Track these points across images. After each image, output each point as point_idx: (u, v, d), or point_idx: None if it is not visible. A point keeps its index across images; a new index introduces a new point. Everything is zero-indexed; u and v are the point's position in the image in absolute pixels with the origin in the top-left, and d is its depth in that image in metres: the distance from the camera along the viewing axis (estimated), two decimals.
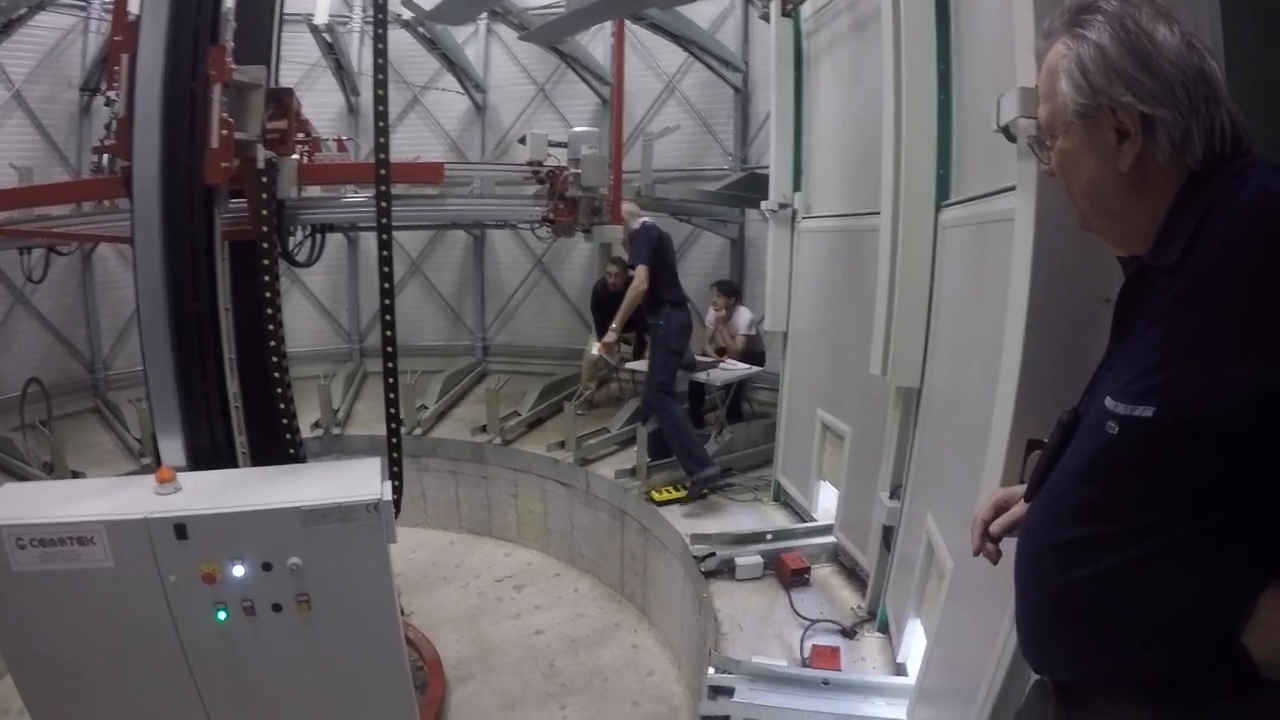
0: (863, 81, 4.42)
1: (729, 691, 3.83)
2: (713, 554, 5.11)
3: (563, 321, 10.15)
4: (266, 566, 3.04)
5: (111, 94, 3.46)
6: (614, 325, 6.69)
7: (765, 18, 5.75)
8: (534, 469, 7.56)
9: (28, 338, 8.42)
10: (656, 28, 8.10)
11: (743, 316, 7.47)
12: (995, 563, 1.60)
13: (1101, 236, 1.40)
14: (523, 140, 5.18)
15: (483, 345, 10.60)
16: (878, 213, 3.91)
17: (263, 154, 3.65)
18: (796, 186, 5.55)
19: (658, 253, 6.37)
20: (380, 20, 3.94)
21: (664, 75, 9.16)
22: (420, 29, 9.06)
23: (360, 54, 9.70)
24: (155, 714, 3.17)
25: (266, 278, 3.73)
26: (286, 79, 9.52)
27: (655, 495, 6.23)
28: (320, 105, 9.82)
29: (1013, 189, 2.45)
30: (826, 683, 3.77)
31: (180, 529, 2.93)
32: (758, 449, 6.72)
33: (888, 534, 4.16)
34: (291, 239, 4.57)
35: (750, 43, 8.59)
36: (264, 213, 3.72)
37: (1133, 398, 1.19)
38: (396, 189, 4.12)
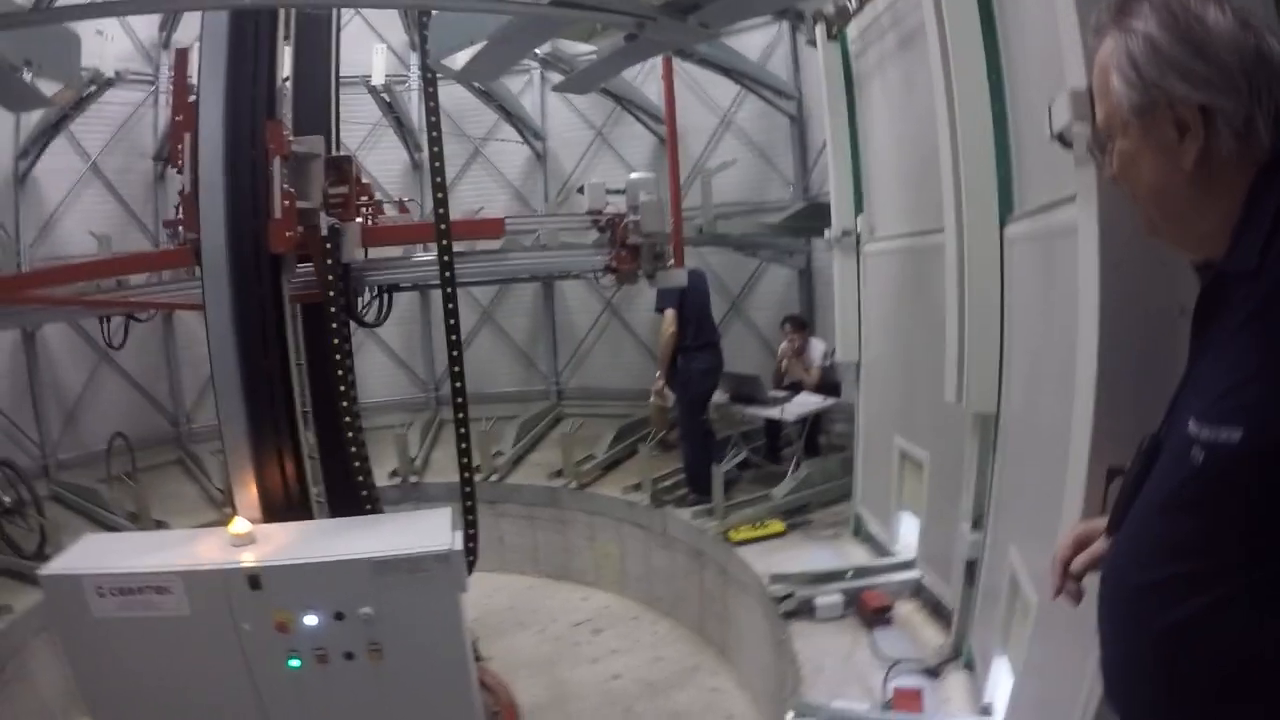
0: (915, 98, 4.33)
1: None
2: (791, 594, 4.96)
3: (635, 362, 10.12)
4: (339, 616, 3.10)
5: (177, 171, 3.64)
6: (658, 373, 6.97)
7: (813, 43, 5.72)
8: (610, 512, 7.52)
9: (113, 394, 8.89)
10: (706, 63, 8.12)
11: (816, 349, 7.33)
12: (1076, 604, 1.46)
13: (1172, 242, 1.28)
14: (581, 190, 5.23)
15: (556, 389, 10.66)
16: (942, 229, 3.79)
17: (325, 221, 3.78)
18: (859, 210, 5.45)
19: (683, 296, 6.39)
20: (431, 94, 4.03)
21: (719, 110, 9.16)
22: (475, 83, 9.30)
23: (419, 111, 9.95)
24: None
25: (336, 340, 3.84)
26: (349, 139, 9.98)
27: (733, 535, 6.09)
28: (384, 163, 10.24)
29: (1075, 199, 2.32)
30: None
31: (254, 580, 3.03)
32: (835, 484, 6.51)
33: (971, 567, 3.95)
34: (360, 299, 4.69)
35: (801, 70, 8.49)
36: (330, 277, 3.83)
37: (1217, 418, 1.06)
38: (460, 246, 4.22)
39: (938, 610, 4.59)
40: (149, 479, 7.93)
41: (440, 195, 3.99)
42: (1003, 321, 3.56)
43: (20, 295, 5.01)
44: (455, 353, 4.09)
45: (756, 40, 8.63)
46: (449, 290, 4.08)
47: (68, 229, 8.55)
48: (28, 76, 4.35)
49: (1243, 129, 1.09)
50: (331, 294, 3.88)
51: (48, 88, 6.92)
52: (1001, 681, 3.48)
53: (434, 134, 4.01)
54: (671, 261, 4.97)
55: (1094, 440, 2.20)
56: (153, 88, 8.99)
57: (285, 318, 3.73)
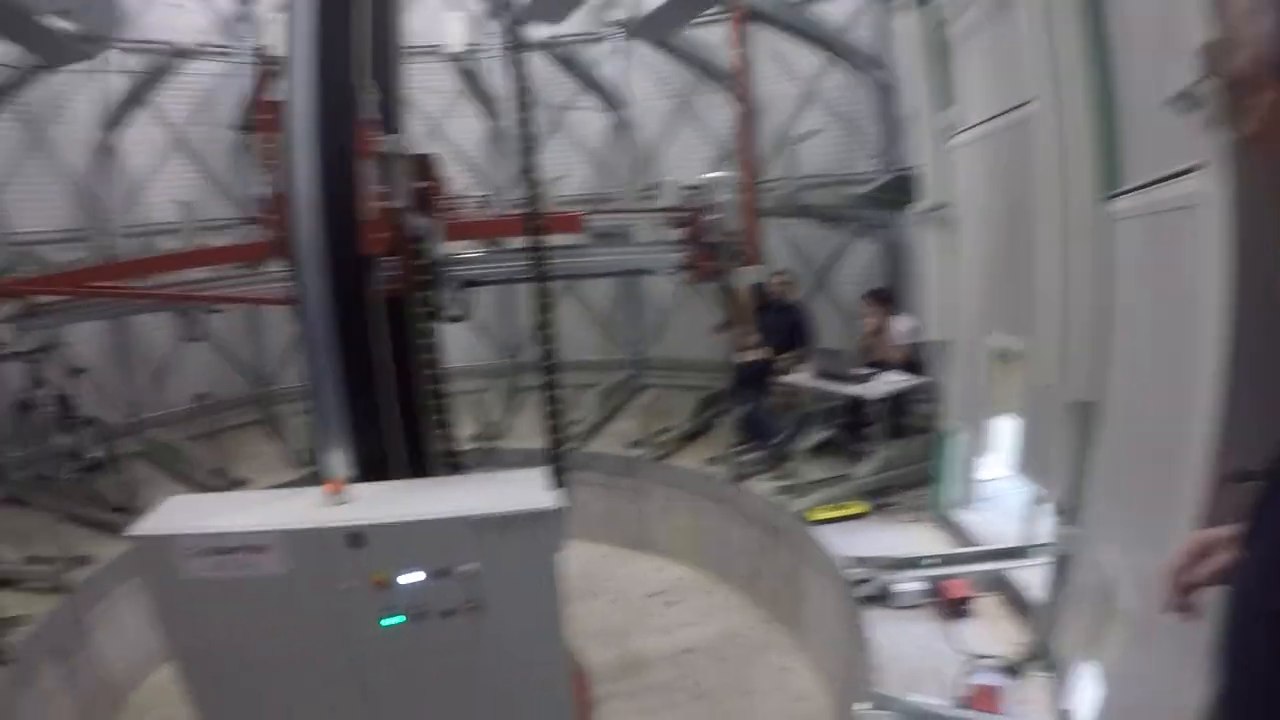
0: (1009, 66, 4.03)
1: None
2: (869, 579, 4.82)
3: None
4: (439, 574, 3.11)
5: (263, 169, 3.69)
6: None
7: (901, 8, 5.41)
8: (688, 484, 7.48)
9: (198, 355, 9.09)
10: (790, 29, 7.83)
11: (901, 325, 7.04)
12: (1189, 621, 1.31)
13: None
14: (656, 187, 5.08)
15: (637, 359, 10.62)
16: (1039, 206, 3.54)
17: (412, 220, 3.79)
18: (947, 185, 5.15)
19: None
20: (520, 74, 3.94)
21: (803, 80, 8.79)
22: (555, 50, 9.21)
23: (498, 79, 9.95)
24: (319, 716, 3.31)
25: (423, 339, 3.87)
26: (429, 109, 10.08)
27: (811, 514, 5.98)
28: (464, 131, 10.27)
29: (1193, 171, 2.09)
30: None
31: (356, 538, 3.04)
32: (918, 466, 6.29)
33: (1062, 563, 3.73)
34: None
35: (888, 38, 7.89)
36: (418, 278, 3.86)
37: None
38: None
39: (1021, 606, 4.39)
40: (231, 438, 8.36)
41: (534, 192, 3.89)
42: (1107, 303, 3.30)
43: (103, 289, 5.22)
44: (549, 354, 4.00)
45: (842, 7, 8.25)
46: (540, 286, 4.00)
47: (153, 198, 8.88)
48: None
49: None
50: (420, 294, 3.91)
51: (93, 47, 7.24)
52: (1085, 688, 3.29)
53: (524, 114, 3.90)
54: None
55: (1215, 439, 2.00)
56: (233, 59, 9.19)
57: (374, 314, 3.78)
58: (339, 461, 3.63)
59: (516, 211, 4.10)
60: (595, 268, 5.95)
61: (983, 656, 4.03)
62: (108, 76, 8.30)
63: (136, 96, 8.35)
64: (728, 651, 5.93)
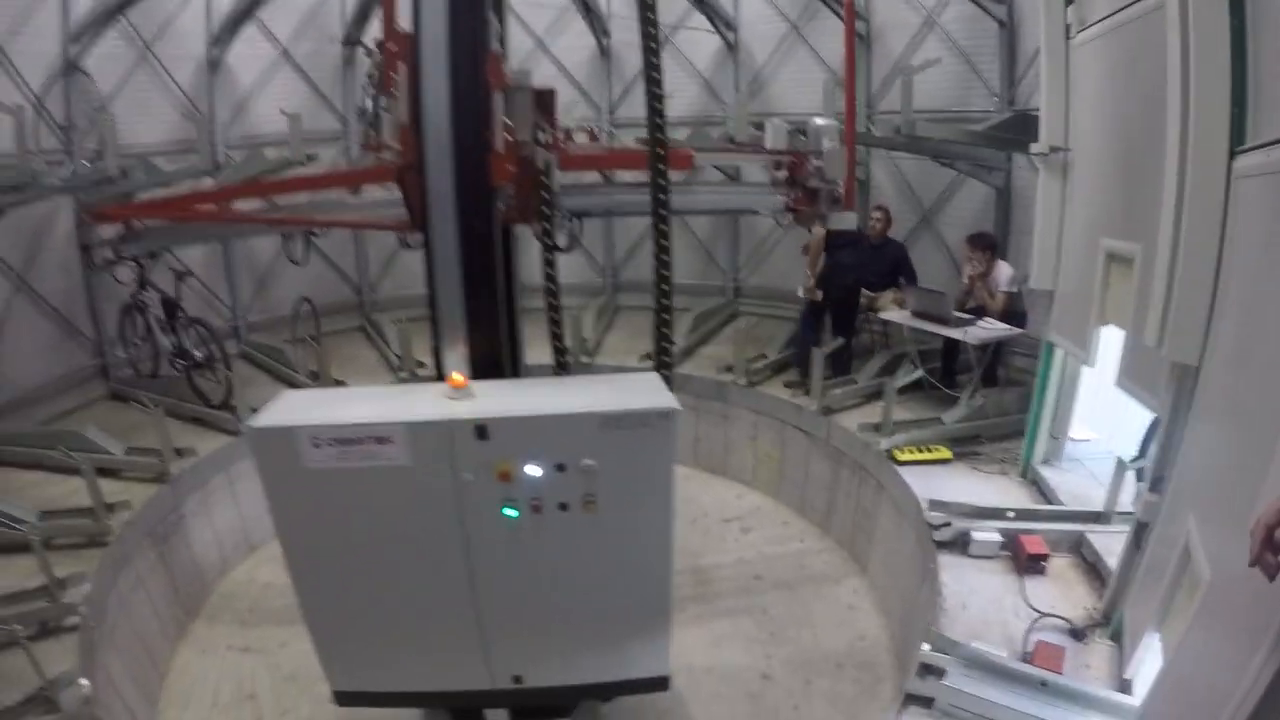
0: (1140, 10, 3.75)
1: (939, 673, 3.64)
2: (948, 524, 4.83)
3: None
4: (560, 467, 3.16)
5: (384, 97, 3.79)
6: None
7: None
8: (776, 413, 7.50)
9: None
10: None
11: (1003, 272, 6.76)
12: (1272, 578, 1.30)
13: None
14: (760, 126, 4.96)
15: (734, 286, 10.58)
16: (1160, 159, 3.33)
17: (535, 152, 3.91)
18: (1065, 126, 4.87)
19: None
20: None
21: (922, 9, 8.29)
22: None
23: None
24: (426, 602, 3.47)
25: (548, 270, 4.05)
26: (536, 24, 10.02)
27: (897, 454, 5.98)
28: (571, 49, 10.21)
29: None
30: (1044, 684, 3.46)
31: (482, 430, 3.09)
32: (1009, 418, 6.15)
33: (1140, 531, 3.65)
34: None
35: None
36: (541, 209, 3.98)
37: None
38: (642, 176, 4.10)
39: (1095, 570, 4.35)
40: (331, 342, 8.75)
41: (658, 133, 3.86)
42: (1219, 263, 3.13)
43: (216, 214, 5.51)
44: (664, 281, 4.04)
45: None
46: (661, 227, 3.99)
47: (260, 111, 9.18)
48: None
49: None
50: (544, 225, 4.01)
51: None
52: (1148, 660, 3.27)
53: (652, 57, 3.84)
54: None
55: None
56: None
57: (500, 242, 3.88)
58: (461, 359, 3.76)
59: (633, 148, 4.10)
60: (700, 205, 5.99)
61: (1050, 615, 4.03)
62: None
63: (246, 11, 8.55)
64: (796, 582, 6.05)
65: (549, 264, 4.08)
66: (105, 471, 5.81)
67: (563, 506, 3.22)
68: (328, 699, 3.72)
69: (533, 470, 3.16)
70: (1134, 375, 4.05)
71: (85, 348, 8.03)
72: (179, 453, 6.31)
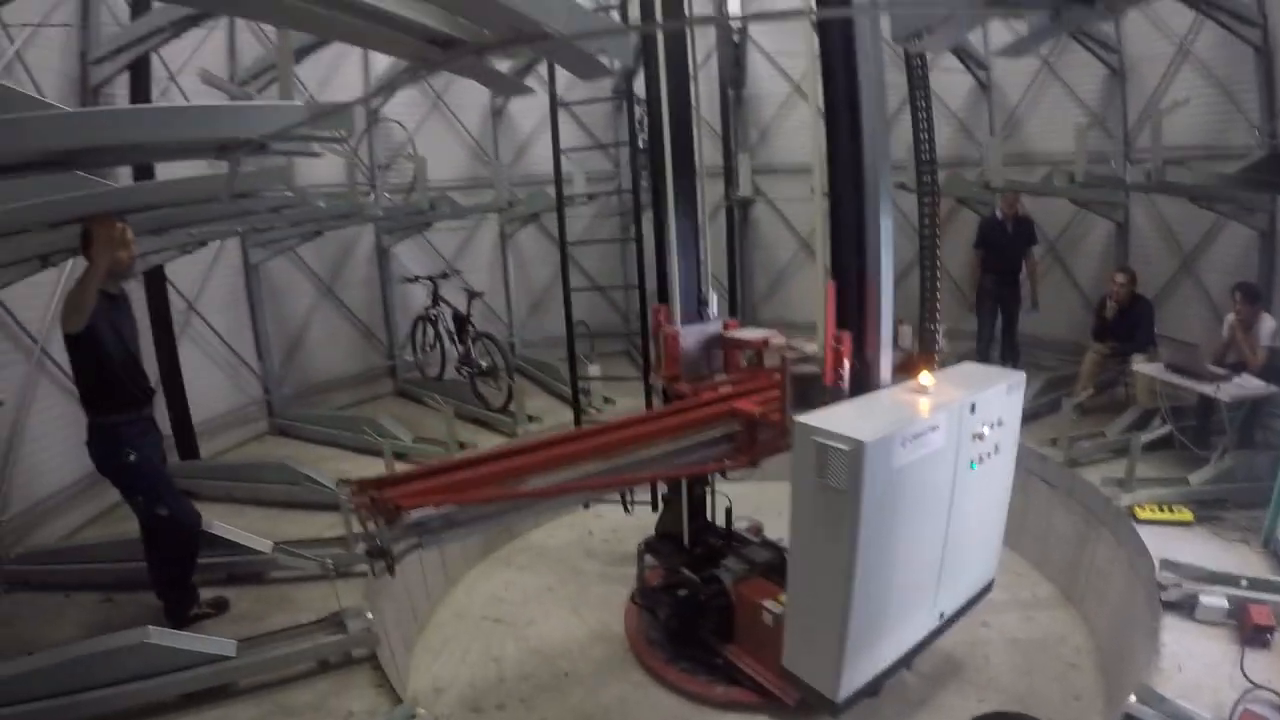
0: None
1: None
2: (1178, 585, 4.84)
3: (1074, 313, 9.53)
4: (991, 426, 4.42)
5: None
6: None
7: None
8: (1020, 462, 7.47)
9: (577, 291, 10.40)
10: None
11: (1266, 326, 6.35)
12: None
13: None
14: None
15: None
16: None
17: None
18: None
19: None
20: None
21: (1174, 38, 7.88)
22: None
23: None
24: (916, 570, 4.37)
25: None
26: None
27: (1138, 511, 5.91)
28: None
29: None
30: None
31: (973, 407, 4.26)
32: (1260, 485, 5.81)
33: None
34: None
35: None
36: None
37: None
38: None
39: None
40: (601, 362, 9.80)
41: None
42: None
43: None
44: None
45: None
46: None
47: (537, 154, 10.74)
48: None
49: None
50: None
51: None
52: None
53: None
54: None
55: None
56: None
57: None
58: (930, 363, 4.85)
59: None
60: None
61: (1264, 688, 4.01)
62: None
63: (526, 67, 9.54)
64: (1022, 636, 6.05)
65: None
66: (396, 455, 6.82)
67: (985, 457, 4.47)
68: (564, 674, 4.60)
69: (986, 430, 4.38)
70: None
71: (379, 350, 9.99)
72: (461, 445, 7.24)
